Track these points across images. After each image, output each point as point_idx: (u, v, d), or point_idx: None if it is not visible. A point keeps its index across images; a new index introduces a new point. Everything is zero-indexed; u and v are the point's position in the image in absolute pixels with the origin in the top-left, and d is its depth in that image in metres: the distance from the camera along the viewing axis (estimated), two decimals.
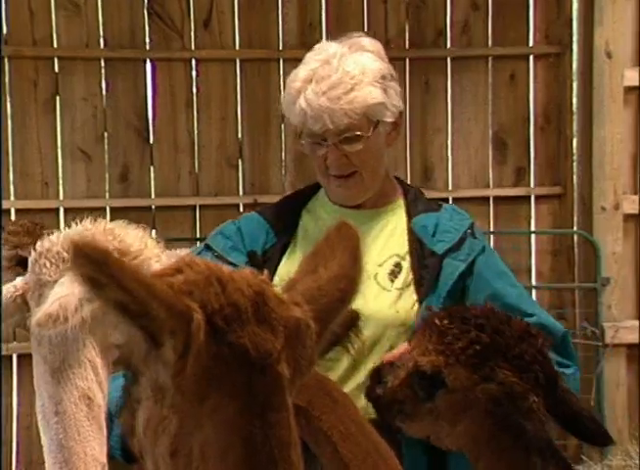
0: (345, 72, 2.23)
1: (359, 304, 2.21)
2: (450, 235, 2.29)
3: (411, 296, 2.25)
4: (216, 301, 1.06)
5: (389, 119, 2.31)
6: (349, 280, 1.22)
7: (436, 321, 1.85)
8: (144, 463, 1.14)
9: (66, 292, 1.65)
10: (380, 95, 2.26)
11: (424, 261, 2.26)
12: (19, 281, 1.79)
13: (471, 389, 1.76)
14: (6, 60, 5.11)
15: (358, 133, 2.23)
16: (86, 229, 1.80)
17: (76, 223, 1.85)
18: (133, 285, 1.00)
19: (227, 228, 2.42)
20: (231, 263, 2.20)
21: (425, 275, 2.24)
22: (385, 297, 2.25)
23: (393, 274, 2.28)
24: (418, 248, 2.29)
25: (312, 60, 2.28)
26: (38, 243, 1.77)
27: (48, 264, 1.72)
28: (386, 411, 1.94)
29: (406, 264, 2.28)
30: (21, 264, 2.59)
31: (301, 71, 2.27)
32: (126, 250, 1.77)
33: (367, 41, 2.32)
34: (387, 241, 2.34)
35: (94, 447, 1.80)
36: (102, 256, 0.98)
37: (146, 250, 1.80)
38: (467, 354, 1.77)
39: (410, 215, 2.36)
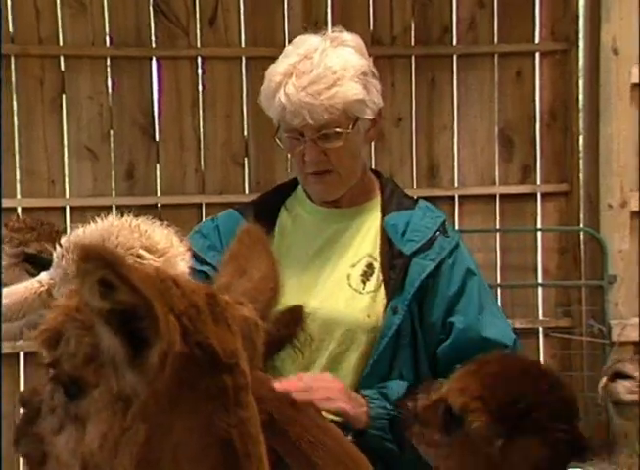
0: (327, 67, 2.17)
1: (331, 307, 2.21)
2: (420, 234, 2.25)
3: (383, 299, 2.22)
4: (181, 302, 1.06)
5: (369, 117, 2.25)
6: (276, 279, 1.25)
7: (492, 371, 1.81)
8: None
9: None
10: (361, 91, 2.20)
11: (393, 262, 2.23)
12: (43, 276, 1.76)
13: (490, 439, 1.74)
14: (12, 58, 5.12)
15: (338, 130, 2.18)
16: (112, 225, 1.77)
17: (100, 220, 1.83)
18: (143, 286, 0.99)
19: (205, 226, 2.41)
20: (207, 263, 2.18)
21: (393, 276, 2.21)
22: (357, 301, 2.23)
23: (366, 276, 2.25)
24: (388, 248, 2.25)
25: (293, 53, 2.22)
26: (64, 238, 1.75)
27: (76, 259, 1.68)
28: (407, 424, 1.94)
29: (377, 265, 2.25)
30: (27, 261, 2.58)
31: (281, 65, 2.21)
32: (153, 247, 1.74)
33: (348, 36, 2.27)
34: (362, 241, 2.31)
35: None
36: (114, 257, 0.98)
37: (172, 248, 1.77)
38: (507, 409, 1.74)
39: (384, 213, 2.32)
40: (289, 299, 2.05)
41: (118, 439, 1.05)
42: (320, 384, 2.05)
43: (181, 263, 1.76)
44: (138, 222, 1.80)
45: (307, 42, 2.24)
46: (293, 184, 2.43)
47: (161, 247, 1.74)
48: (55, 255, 1.75)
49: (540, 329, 5.37)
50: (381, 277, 2.23)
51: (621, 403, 2.24)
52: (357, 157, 2.30)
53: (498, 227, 5.43)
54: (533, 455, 1.69)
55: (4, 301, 1.71)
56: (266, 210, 2.36)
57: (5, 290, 1.72)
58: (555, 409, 1.74)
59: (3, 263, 2.56)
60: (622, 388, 2.25)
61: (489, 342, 2.17)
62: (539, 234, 5.53)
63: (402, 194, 2.38)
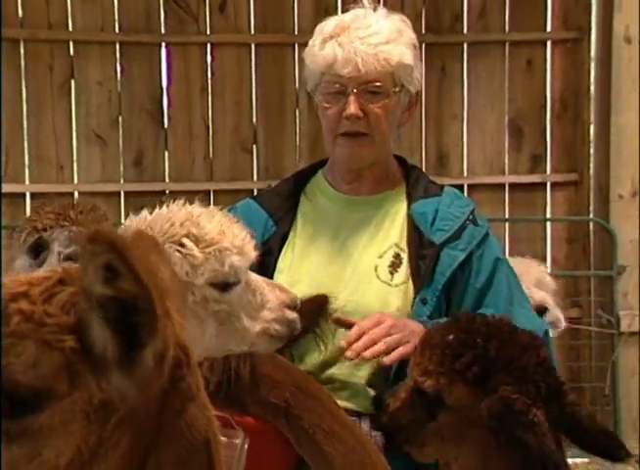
0: (384, 26, 2.16)
1: (361, 300, 2.09)
2: (450, 223, 2.20)
3: (412, 291, 2.17)
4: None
5: (412, 90, 2.22)
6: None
7: (438, 338, 1.79)
8: None
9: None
10: (412, 60, 2.19)
11: (422, 252, 2.17)
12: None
13: (473, 406, 1.72)
14: (21, 43, 5.10)
15: (380, 85, 2.14)
16: (167, 211, 1.73)
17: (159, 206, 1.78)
18: (147, 278, 0.94)
19: None
20: None
21: (422, 266, 2.16)
22: (387, 294, 2.18)
23: (394, 267, 2.20)
24: (416, 237, 2.20)
25: (338, 18, 2.21)
26: (125, 222, 1.72)
27: None
28: (394, 438, 1.91)
29: (405, 256, 2.19)
30: None
31: (332, 21, 2.19)
32: (201, 236, 1.68)
33: (396, 14, 2.27)
34: (388, 230, 2.25)
35: None
36: (123, 243, 0.93)
37: (224, 240, 1.70)
38: (470, 372, 1.73)
39: (410, 201, 2.26)
40: (316, 288, 2.03)
41: (95, 450, 0.97)
42: (380, 325, 1.98)
43: (232, 257, 1.69)
44: (196, 211, 1.73)
45: (351, 11, 2.23)
46: (311, 171, 2.39)
47: (210, 237, 1.69)
48: None
49: None
50: (409, 268, 2.17)
51: None
52: (392, 128, 2.24)
53: (507, 217, 5.39)
54: (519, 405, 1.67)
55: None
56: (286, 198, 2.31)
57: None
58: (518, 358, 1.74)
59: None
60: None
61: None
62: (548, 224, 5.50)
63: (427, 180, 2.33)
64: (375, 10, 2.21)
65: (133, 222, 1.72)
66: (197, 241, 1.68)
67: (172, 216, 1.71)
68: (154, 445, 1.00)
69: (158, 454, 1.01)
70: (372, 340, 1.94)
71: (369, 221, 2.25)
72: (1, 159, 4.97)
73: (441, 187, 2.31)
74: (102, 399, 0.97)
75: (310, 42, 2.21)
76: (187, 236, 1.67)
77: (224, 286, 1.70)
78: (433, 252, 2.15)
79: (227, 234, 1.71)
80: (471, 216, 2.23)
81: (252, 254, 1.77)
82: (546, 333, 2.19)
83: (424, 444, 1.83)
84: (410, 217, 2.22)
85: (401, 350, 1.94)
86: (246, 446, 1.90)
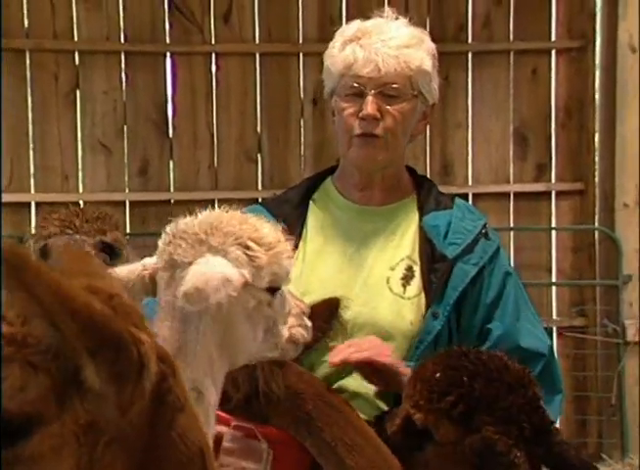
0: (406, 32, 2.19)
1: (374, 311, 2.15)
2: (462, 237, 2.19)
3: (424, 304, 2.17)
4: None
5: (429, 99, 2.24)
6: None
7: (428, 373, 1.81)
8: None
9: (208, 270, 1.59)
10: (431, 68, 2.21)
11: (434, 265, 2.17)
12: (148, 261, 1.73)
13: (458, 443, 1.74)
14: (27, 53, 5.11)
15: (399, 87, 2.15)
16: (222, 214, 1.73)
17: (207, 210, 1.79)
18: (46, 293, 0.88)
19: None
20: None
21: (434, 280, 2.15)
22: (400, 307, 2.17)
23: (406, 280, 2.20)
24: (428, 250, 2.19)
25: (359, 23, 2.23)
26: (171, 225, 1.72)
27: (184, 245, 1.64)
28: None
29: (418, 269, 2.19)
30: (104, 251, 2.62)
31: (352, 27, 2.21)
32: (261, 240, 1.69)
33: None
34: (399, 242, 2.25)
35: None
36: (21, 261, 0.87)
37: (280, 244, 1.73)
38: (455, 411, 1.74)
39: (422, 212, 2.26)
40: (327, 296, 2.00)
41: None
42: (372, 344, 2.01)
43: (287, 261, 1.72)
44: (248, 215, 1.77)
45: (373, 19, 2.26)
46: (320, 178, 2.39)
47: (269, 241, 1.70)
48: (160, 241, 1.72)
49: (554, 328, 5.31)
50: (421, 281, 2.17)
51: None
52: (406, 134, 2.24)
53: (512, 226, 5.37)
54: (500, 446, 1.69)
55: None
56: (295, 206, 2.31)
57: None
58: (503, 397, 1.75)
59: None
60: None
61: (525, 351, 2.14)
62: (553, 233, 5.48)
63: (437, 191, 2.34)
64: (396, 19, 2.25)
65: (187, 225, 1.70)
66: (258, 244, 1.68)
67: (229, 219, 1.71)
68: (148, 459, 0.99)
69: (153, 468, 1.00)
70: (358, 347, 1.96)
71: (380, 232, 2.25)
72: (1, 167, 4.96)
73: (452, 199, 2.31)
74: (89, 421, 0.94)
75: (330, 45, 2.23)
76: (251, 239, 1.68)
77: (274, 290, 1.72)
78: (445, 266, 2.15)
79: (280, 238, 1.73)
80: (483, 230, 2.23)
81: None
82: (550, 349, 2.21)
83: (414, 468, 1.84)
84: (422, 230, 2.22)
85: (373, 356, 1.96)
86: (270, 457, 1.91)
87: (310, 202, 2.32)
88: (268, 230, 1.72)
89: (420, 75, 2.18)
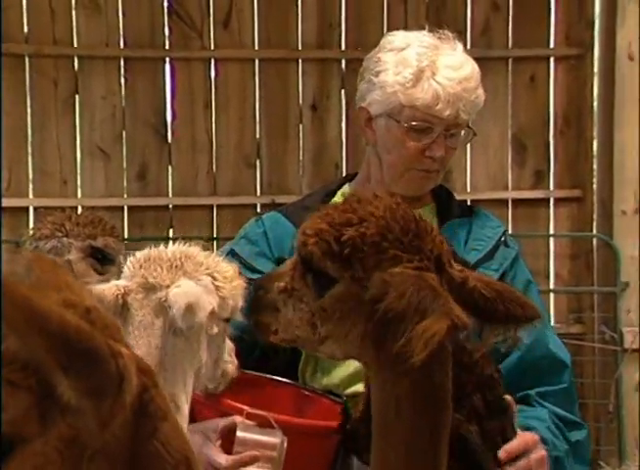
0: (472, 68, 2.26)
1: None
2: (483, 244, 2.21)
3: None
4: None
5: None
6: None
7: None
8: None
9: (192, 290, 1.73)
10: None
11: None
12: (120, 282, 1.83)
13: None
14: (26, 58, 5.13)
15: (463, 130, 2.23)
16: (188, 248, 1.86)
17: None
18: (11, 308, 0.85)
19: (252, 232, 2.32)
20: (257, 270, 2.13)
21: None
22: None
23: None
24: None
25: (419, 45, 2.21)
26: (139, 253, 1.85)
27: (159, 269, 1.78)
28: (354, 446, 1.95)
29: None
30: (92, 256, 2.65)
31: (412, 52, 2.19)
32: (223, 272, 1.83)
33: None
34: None
35: None
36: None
37: (238, 278, 1.87)
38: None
39: (441, 219, 2.27)
40: None
41: None
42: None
43: (241, 296, 1.83)
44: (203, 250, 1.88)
45: (427, 37, 2.25)
46: (338, 185, 2.39)
47: (230, 275, 1.82)
48: (129, 264, 1.83)
49: None
50: None
51: None
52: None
53: (510, 232, 5.37)
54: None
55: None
56: (313, 211, 2.30)
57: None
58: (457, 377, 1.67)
59: (72, 257, 2.63)
60: None
61: (555, 356, 2.17)
62: (551, 240, 5.50)
63: (459, 201, 2.39)
64: (454, 44, 2.31)
65: (159, 252, 1.83)
66: (223, 276, 1.81)
67: (196, 250, 1.84)
68: (135, 467, 0.98)
69: None
70: None
71: None
72: (1, 172, 4.98)
73: (471, 207, 2.35)
74: (71, 435, 0.92)
75: (393, 68, 2.19)
76: (216, 270, 1.80)
77: (227, 322, 1.85)
78: None
79: (237, 273, 1.85)
80: (503, 238, 2.25)
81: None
82: (569, 360, 2.25)
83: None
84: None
85: None
86: (285, 445, 1.92)
87: None
88: (227, 265, 1.84)
89: (476, 111, 2.28)
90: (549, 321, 2.39)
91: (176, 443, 1.03)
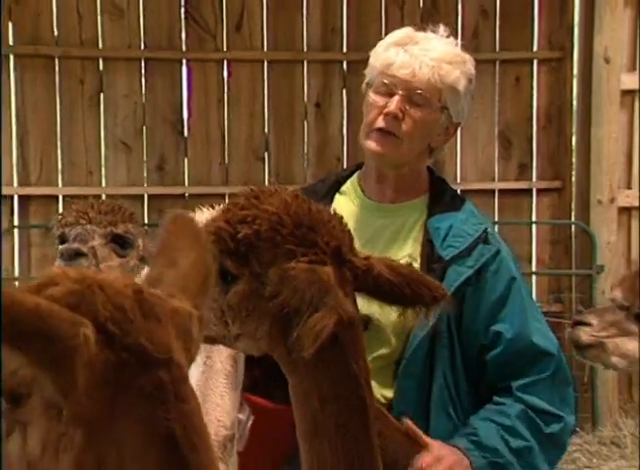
0: (451, 50, 2.19)
1: (366, 302, 1.85)
2: (461, 240, 2.13)
3: None
4: (104, 308, 1.00)
5: (454, 117, 2.20)
6: (206, 263, 1.18)
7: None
8: None
9: None
10: (463, 90, 2.18)
11: (431, 265, 2.12)
12: None
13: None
14: (56, 60, 5.38)
15: (426, 96, 2.12)
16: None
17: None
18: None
19: None
20: None
21: None
22: None
23: None
24: (429, 250, 2.15)
25: (411, 31, 2.21)
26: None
27: None
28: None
29: (417, 266, 2.11)
30: (114, 241, 2.69)
31: (402, 32, 2.20)
32: None
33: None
34: (404, 240, 2.21)
35: (226, 403, 1.87)
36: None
37: None
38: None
39: (430, 213, 2.20)
40: None
41: (57, 444, 1.00)
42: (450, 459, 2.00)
43: None
44: None
45: (426, 32, 2.23)
46: (349, 173, 2.35)
47: None
48: None
49: None
50: None
51: (581, 346, 2.47)
52: (423, 140, 2.19)
53: (496, 220, 5.59)
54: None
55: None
56: (321, 196, 2.23)
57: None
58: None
59: (95, 243, 2.66)
60: (582, 333, 2.47)
61: (538, 348, 2.10)
62: (534, 227, 5.73)
63: (452, 194, 2.29)
64: (447, 37, 2.24)
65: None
66: None
67: None
68: (110, 440, 1.00)
69: (117, 449, 1.00)
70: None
71: (387, 229, 2.22)
72: (1, 163, 5.09)
73: (463, 202, 2.26)
74: (48, 400, 1.00)
75: (378, 44, 2.23)
76: None
77: None
78: (441, 267, 2.11)
79: None
80: (483, 236, 2.16)
81: None
82: (558, 349, 2.17)
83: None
84: (426, 230, 2.19)
85: None
86: (249, 423, 1.92)
87: (337, 194, 2.29)
88: None
89: (450, 92, 2.14)
90: (535, 311, 2.20)
91: (159, 419, 1.01)
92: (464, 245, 2.13)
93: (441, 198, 2.24)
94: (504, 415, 2.09)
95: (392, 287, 1.59)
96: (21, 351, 0.96)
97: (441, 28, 2.25)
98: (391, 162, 2.19)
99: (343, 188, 2.30)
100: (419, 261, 2.14)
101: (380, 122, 2.14)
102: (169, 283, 1.13)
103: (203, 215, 1.84)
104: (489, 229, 2.21)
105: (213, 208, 1.95)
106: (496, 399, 2.11)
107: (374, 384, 2.01)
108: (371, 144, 2.17)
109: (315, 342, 1.42)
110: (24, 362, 0.97)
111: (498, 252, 2.15)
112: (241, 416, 1.92)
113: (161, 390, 1.01)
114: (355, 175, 2.32)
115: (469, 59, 2.24)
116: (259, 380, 1.93)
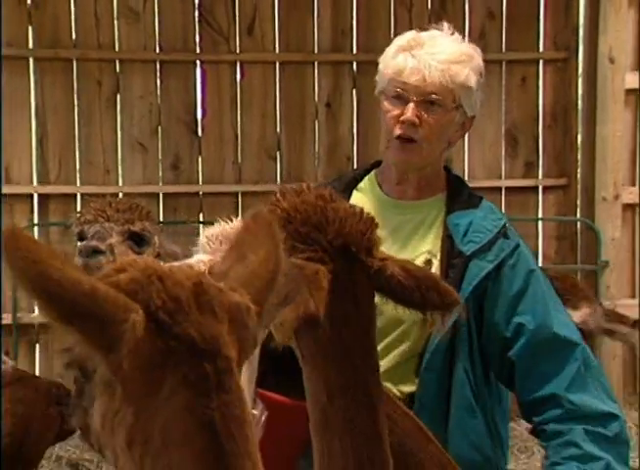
0: (459, 47, 2.21)
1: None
2: (481, 236, 2.15)
3: None
4: (158, 297, 1.06)
5: (469, 112, 2.25)
6: (275, 261, 1.21)
7: None
8: (105, 457, 1.15)
9: None
10: (475, 85, 2.21)
11: (452, 261, 2.14)
12: (204, 257, 1.82)
13: None
14: (74, 62, 5.47)
15: (440, 98, 2.15)
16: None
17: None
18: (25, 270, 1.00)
19: None
20: None
21: (451, 274, 2.11)
22: None
23: None
24: (449, 246, 2.17)
25: (416, 34, 2.25)
26: (217, 226, 1.84)
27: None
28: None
29: (436, 262, 2.17)
30: (131, 239, 2.75)
31: (407, 36, 2.23)
32: None
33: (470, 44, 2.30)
34: (422, 236, 2.23)
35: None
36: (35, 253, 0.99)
37: None
38: None
39: (449, 210, 2.22)
40: None
41: (112, 420, 1.08)
42: None
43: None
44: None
45: (430, 31, 2.26)
46: (365, 170, 2.38)
47: None
48: (207, 240, 1.83)
49: None
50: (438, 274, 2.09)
51: None
52: (441, 141, 2.23)
53: None
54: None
55: None
56: (339, 193, 2.28)
57: None
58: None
59: (113, 241, 2.70)
60: None
61: (561, 338, 2.11)
62: (540, 223, 5.79)
63: (469, 192, 2.31)
64: (452, 34, 2.27)
65: (227, 231, 1.85)
66: None
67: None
68: (155, 422, 1.05)
69: (161, 432, 1.05)
70: None
71: (406, 225, 2.24)
72: (1, 162, 5.19)
73: (480, 200, 2.27)
74: (105, 377, 1.08)
75: (386, 50, 2.27)
76: None
77: None
78: (462, 262, 2.13)
79: None
80: (502, 230, 2.18)
81: None
82: (582, 338, 2.17)
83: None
84: (445, 226, 2.21)
85: None
86: (263, 418, 1.93)
87: (355, 191, 2.32)
88: None
89: (462, 90, 2.17)
90: (556, 302, 2.20)
91: (199, 407, 1.05)
92: (484, 240, 2.15)
93: (459, 195, 2.26)
94: (572, 445, 2.05)
95: (403, 289, 1.61)
96: (76, 329, 1.03)
97: (445, 25, 2.28)
98: (414, 166, 2.23)
99: (361, 185, 2.33)
100: (439, 257, 2.18)
101: (398, 131, 2.17)
102: (235, 277, 1.17)
103: (222, 227, 1.89)
104: (508, 224, 2.22)
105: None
106: (553, 427, 2.07)
107: (393, 378, 2.10)
108: (393, 153, 2.21)
109: (282, 334, 1.47)
110: (80, 340, 1.05)
111: (517, 246, 2.18)
112: (254, 412, 1.93)
113: (205, 380, 1.05)
114: (372, 173, 2.34)
115: (476, 52, 2.27)
116: (266, 375, 1.95)
